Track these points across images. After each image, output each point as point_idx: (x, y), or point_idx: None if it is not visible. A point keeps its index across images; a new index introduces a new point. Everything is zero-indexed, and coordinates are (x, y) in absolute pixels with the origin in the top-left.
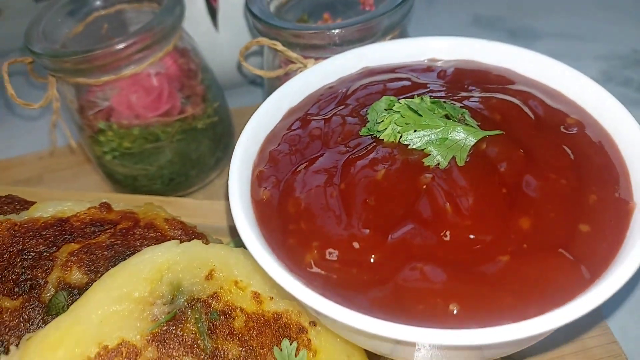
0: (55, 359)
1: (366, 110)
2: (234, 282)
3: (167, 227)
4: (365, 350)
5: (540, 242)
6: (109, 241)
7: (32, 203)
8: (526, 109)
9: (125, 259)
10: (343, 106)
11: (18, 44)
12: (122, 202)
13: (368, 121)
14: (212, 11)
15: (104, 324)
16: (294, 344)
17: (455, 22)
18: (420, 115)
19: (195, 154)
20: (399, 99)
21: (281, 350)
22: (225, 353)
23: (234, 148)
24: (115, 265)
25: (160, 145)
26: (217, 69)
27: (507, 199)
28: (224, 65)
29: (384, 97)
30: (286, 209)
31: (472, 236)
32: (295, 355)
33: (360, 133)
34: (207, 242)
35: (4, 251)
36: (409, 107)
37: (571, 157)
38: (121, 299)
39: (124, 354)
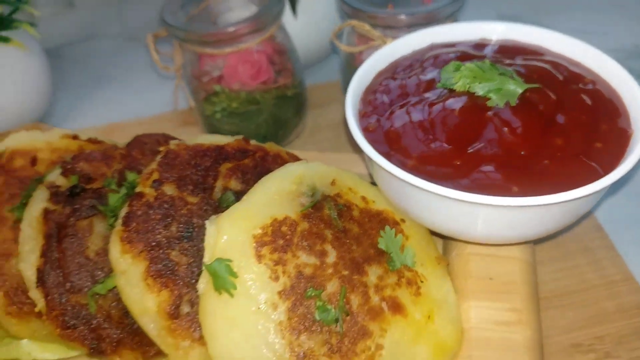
0: (243, 225)
1: (438, 72)
2: (348, 188)
3: (288, 157)
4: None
5: (568, 152)
6: (252, 163)
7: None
8: (555, 72)
9: (265, 175)
10: (420, 69)
11: (87, 32)
12: None
13: (441, 78)
14: (293, 1)
15: (271, 204)
16: (393, 229)
17: (482, 18)
18: (484, 71)
19: (284, 117)
20: (463, 64)
21: (385, 232)
22: (350, 231)
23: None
24: (259, 178)
25: (259, 107)
26: None
27: (545, 127)
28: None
29: (452, 62)
30: (389, 137)
31: (523, 152)
32: (395, 237)
33: (437, 86)
34: None
35: (185, 163)
36: (476, 66)
37: (588, 102)
38: (278, 192)
39: (287, 224)
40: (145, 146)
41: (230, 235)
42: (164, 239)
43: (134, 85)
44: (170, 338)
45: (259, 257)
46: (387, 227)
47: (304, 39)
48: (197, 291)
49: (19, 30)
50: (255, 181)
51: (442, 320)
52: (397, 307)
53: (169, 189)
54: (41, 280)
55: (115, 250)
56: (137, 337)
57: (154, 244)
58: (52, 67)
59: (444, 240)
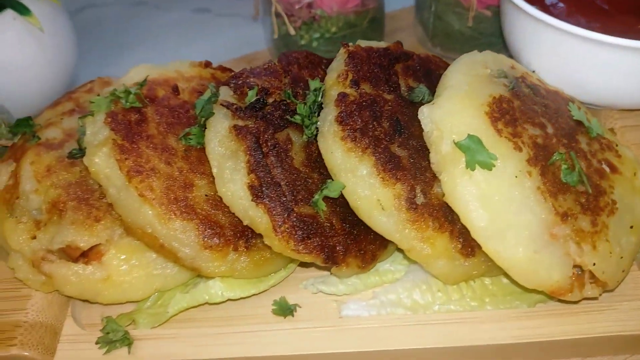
0: (472, 104)
1: None
2: (525, 72)
3: (434, 58)
4: None
5: None
6: (415, 64)
7: (322, 57)
8: None
9: (428, 75)
10: None
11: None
12: None
13: None
14: None
15: (480, 86)
16: (575, 104)
17: None
18: None
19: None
20: None
21: (571, 106)
22: (548, 106)
23: None
24: (425, 77)
25: (355, 30)
26: None
27: None
28: None
29: None
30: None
31: None
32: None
33: None
34: None
35: (368, 63)
36: None
37: None
38: (477, 75)
39: (505, 101)
40: (298, 61)
41: (464, 116)
42: (382, 135)
43: (161, 47)
44: (411, 230)
45: (498, 131)
46: (570, 103)
47: None
48: (426, 183)
49: None
50: (425, 79)
51: None
52: (612, 167)
53: (367, 88)
54: (259, 197)
55: (338, 151)
56: (357, 243)
57: (375, 139)
58: None
59: None
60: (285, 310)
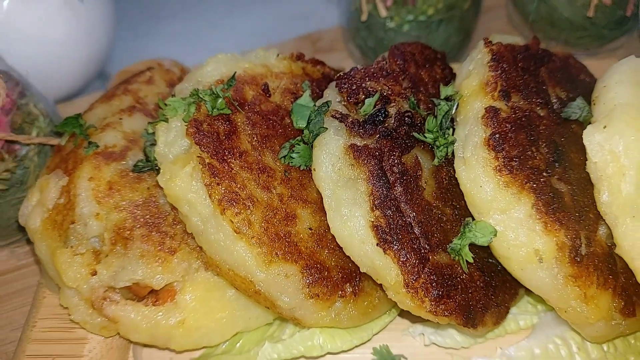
0: None
1: None
2: None
3: (573, 61)
4: None
5: None
6: (557, 65)
7: (431, 49)
8: None
9: (572, 79)
10: None
11: None
12: None
13: None
14: None
15: None
16: None
17: None
18: None
19: (472, 25)
20: None
21: None
22: None
23: None
24: (573, 84)
25: (454, 13)
26: None
27: None
28: None
29: None
30: None
31: None
32: None
33: None
34: None
35: (514, 67)
36: None
37: None
38: None
39: None
40: (415, 57)
41: None
42: (541, 164)
43: (202, 17)
44: (574, 288)
45: None
46: None
47: None
48: (589, 227)
49: None
50: (570, 87)
51: None
52: None
53: (518, 100)
54: (387, 242)
55: (489, 184)
56: (496, 297)
57: (534, 171)
58: None
59: None
60: None
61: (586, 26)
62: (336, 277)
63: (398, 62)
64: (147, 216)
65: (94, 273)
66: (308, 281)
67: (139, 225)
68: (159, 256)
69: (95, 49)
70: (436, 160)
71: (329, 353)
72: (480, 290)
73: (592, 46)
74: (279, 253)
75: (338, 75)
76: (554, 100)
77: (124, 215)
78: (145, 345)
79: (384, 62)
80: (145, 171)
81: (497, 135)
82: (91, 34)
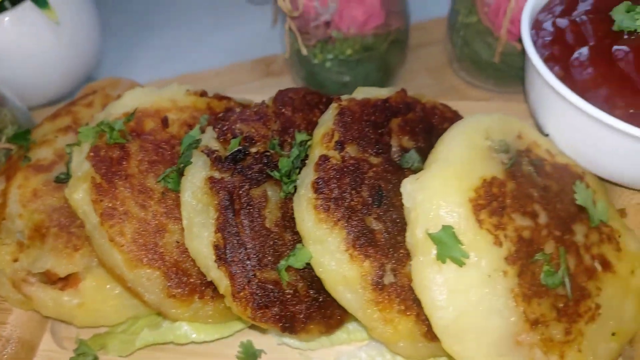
0: (455, 187)
1: (607, 14)
2: (534, 142)
3: (443, 109)
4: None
5: None
6: (416, 117)
7: (323, 95)
8: None
9: (430, 131)
10: (584, 10)
11: None
12: None
13: (614, 20)
14: None
15: (473, 162)
16: (583, 183)
17: None
18: None
19: (394, 63)
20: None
21: (577, 186)
22: (549, 188)
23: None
24: (427, 134)
25: (372, 54)
26: None
27: None
28: None
29: (624, 2)
30: (584, 85)
31: None
32: (587, 188)
33: (613, 29)
34: None
35: (360, 120)
36: None
37: None
38: (474, 148)
39: (496, 185)
40: (294, 102)
41: (445, 199)
42: (358, 205)
43: (190, 31)
44: (375, 311)
45: (479, 222)
46: (578, 182)
47: None
48: (398, 260)
49: None
50: (423, 137)
51: None
52: (606, 265)
53: (352, 150)
54: (222, 259)
55: (309, 219)
56: (321, 310)
57: (350, 211)
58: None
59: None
60: (250, 354)
61: (504, 68)
62: (196, 282)
63: (278, 106)
64: (61, 219)
65: (16, 260)
66: (169, 284)
67: (53, 226)
68: (65, 251)
69: (79, 61)
70: (282, 194)
71: (192, 342)
72: (304, 304)
73: (513, 86)
74: (144, 260)
75: (216, 116)
76: (395, 150)
77: (42, 217)
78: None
79: (263, 106)
80: (65, 182)
81: (320, 180)
82: (75, 47)
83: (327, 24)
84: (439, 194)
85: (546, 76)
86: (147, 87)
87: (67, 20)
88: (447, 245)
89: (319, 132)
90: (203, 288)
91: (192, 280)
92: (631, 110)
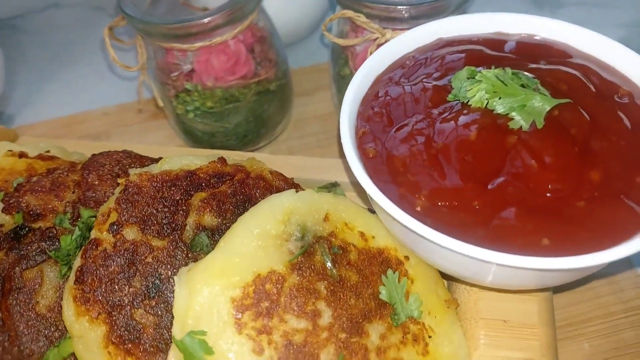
0: (219, 285)
1: (449, 79)
2: (344, 224)
3: (272, 177)
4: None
5: (607, 191)
6: (230, 190)
7: (146, 157)
8: (586, 81)
9: (245, 205)
10: (424, 75)
11: (46, 1)
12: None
13: (452, 88)
14: None
15: (253, 254)
16: (397, 273)
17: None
18: (505, 84)
19: (267, 113)
20: (478, 70)
21: (387, 277)
22: (347, 280)
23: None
24: (239, 209)
25: (238, 105)
26: None
27: (580, 157)
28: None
29: (466, 67)
30: (393, 166)
31: (555, 186)
32: (399, 282)
33: (448, 99)
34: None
35: (149, 198)
36: (496, 77)
37: (626, 122)
38: (262, 236)
39: (273, 280)
40: (103, 169)
41: (204, 299)
42: (126, 297)
43: (101, 63)
44: None
45: (239, 326)
46: (390, 272)
47: (284, 16)
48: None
49: None
50: (234, 213)
51: None
52: None
53: (130, 233)
54: None
55: (69, 312)
56: None
57: (114, 304)
58: (6, 43)
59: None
60: None
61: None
62: None
63: (84, 172)
64: None
65: None
66: None
67: None
68: None
69: None
70: (59, 275)
71: None
72: None
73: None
74: None
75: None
76: (191, 228)
77: None
78: None
79: (63, 173)
80: None
81: (83, 267)
82: None
83: (189, 75)
84: (197, 292)
85: (351, 163)
86: None
87: None
88: (193, 356)
89: (102, 209)
90: None
91: None
92: (440, 203)
